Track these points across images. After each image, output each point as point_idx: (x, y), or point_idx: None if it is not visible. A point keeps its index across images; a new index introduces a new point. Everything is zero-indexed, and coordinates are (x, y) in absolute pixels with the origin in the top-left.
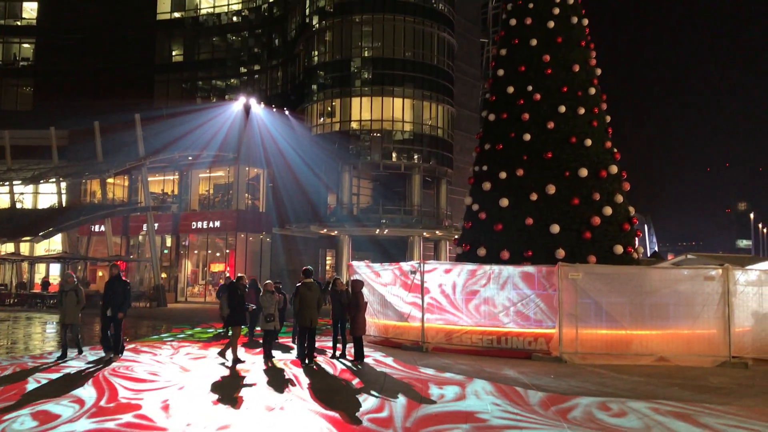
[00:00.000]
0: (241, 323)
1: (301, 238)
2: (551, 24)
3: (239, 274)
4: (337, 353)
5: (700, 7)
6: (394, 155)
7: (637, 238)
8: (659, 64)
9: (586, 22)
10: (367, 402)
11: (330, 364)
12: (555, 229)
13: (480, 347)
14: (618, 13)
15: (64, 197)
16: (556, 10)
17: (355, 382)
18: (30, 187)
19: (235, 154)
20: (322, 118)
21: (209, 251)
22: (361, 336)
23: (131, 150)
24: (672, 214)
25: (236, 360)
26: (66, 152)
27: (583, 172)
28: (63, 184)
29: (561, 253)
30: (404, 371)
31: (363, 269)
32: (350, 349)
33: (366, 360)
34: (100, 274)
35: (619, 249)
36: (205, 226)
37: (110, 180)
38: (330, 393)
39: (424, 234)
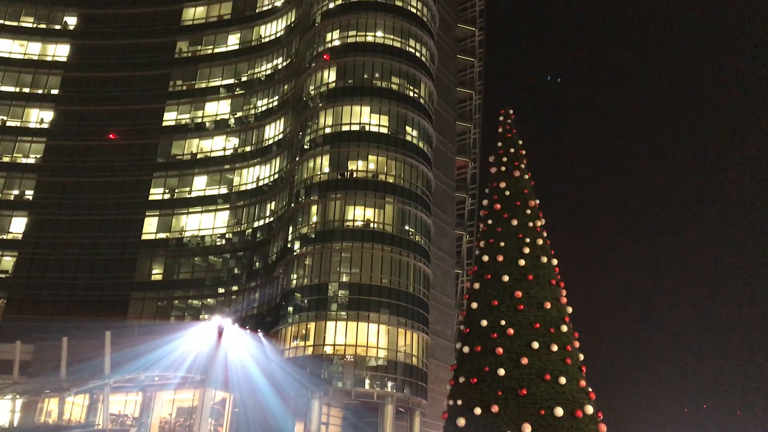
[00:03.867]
0: None
1: None
2: (522, 262)
3: None
4: None
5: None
6: (367, 383)
7: None
8: (629, 292)
9: (555, 261)
10: None
11: None
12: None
13: None
14: (589, 250)
15: (17, 416)
16: (527, 250)
17: None
18: None
19: (203, 376)
20: (295, 341)
21: None
22: None
23: (96, 368)
24: None
25: None
26: (28, 367)
27: (559, 412)
28: (18, 402)
29: None
30: None
31: None
32: None
33: None
34: None
35: None
36: None
37: (69, 398)
38: None
39: None
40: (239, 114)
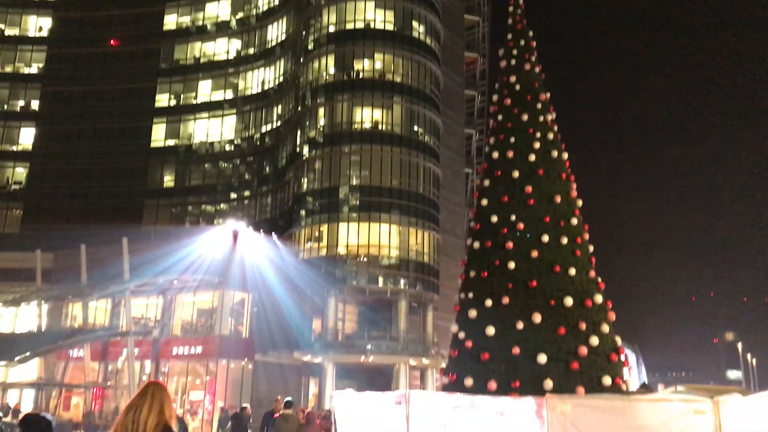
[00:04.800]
0: None
1: (284, 366)
2: (532, 157)
3: (243, 405)
4: None
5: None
6: (380, 281)
7: (625, 369)
8: (640, 194)
9: (565, 156)
10: None
11: None
12: (542, 359)
13: None
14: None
15: (44, 320)
16: (537, 145)
17: None
18: (11, 310)
19: (221, 278)
20: (309, 243)
21: (189, 378)
22: None
23: (116, 273)
24: (660, 345)
25: None
26: (50, 275)
27: (569, 301)
28: (44, 308)
29: (549, 383)
30: None
31: (345, 399)
32: None
33: None
34: (74, 401)
35: (607, 380)
36: (186, 353)
37: (92, 303)
38: None
39: (411, 362)
40: (240, 15)
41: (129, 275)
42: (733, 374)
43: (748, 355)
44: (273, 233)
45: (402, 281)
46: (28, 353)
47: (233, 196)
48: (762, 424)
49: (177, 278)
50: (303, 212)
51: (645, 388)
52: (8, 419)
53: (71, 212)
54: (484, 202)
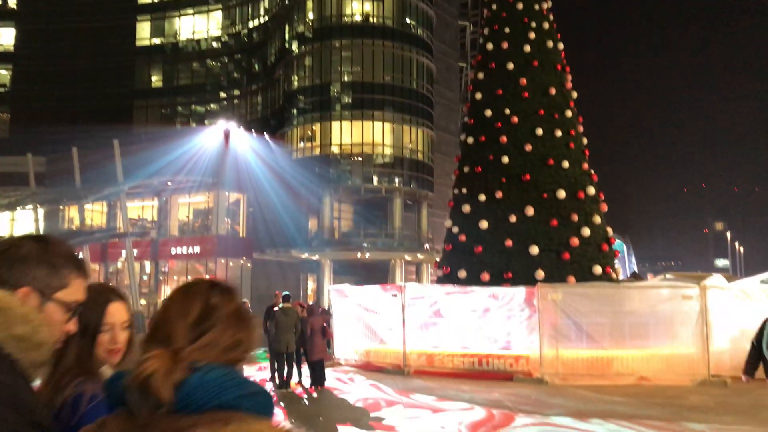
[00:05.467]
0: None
1: (282, 263)
2: (527, 48)
3: (243, 299)
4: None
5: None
6: (375, 179)
7: (616, 259)
8: (634, 85)
9: (561, 46)
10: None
11: (305, 391)
12: (534, 250)
13: (462, 370)
14: (595, 35)
15: (41, 224)
16: (532, 35)
17: (333, 407)
18: (6, 214)
19: (215, 179)
20: (302, 143)
21: (189, 277)
22: (319, 360)
23: (110, 176)
24: (650, 235)
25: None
26: (43, 179)
27: (561, 194)
28: (40, 211)
29: (540, 274)
30: (387, 395)
31: (343, 293)
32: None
33: (348, 384)
34: None
35: (597, 269)
36: (184, 252)
37: (88, 206)
38: (308, 418)
39: (406, 257)
40: None
41: (123, 177)
42: (721, 262)
43: (736, 244)
44: (265, 133)
45: (396, 179)
46: None
47: (223, 95)
48: (741, 307)
49: (171, 180)
50: (294, 111)
51: (635, 277)
52: None
53: (60, 115)
54: (478, 95)
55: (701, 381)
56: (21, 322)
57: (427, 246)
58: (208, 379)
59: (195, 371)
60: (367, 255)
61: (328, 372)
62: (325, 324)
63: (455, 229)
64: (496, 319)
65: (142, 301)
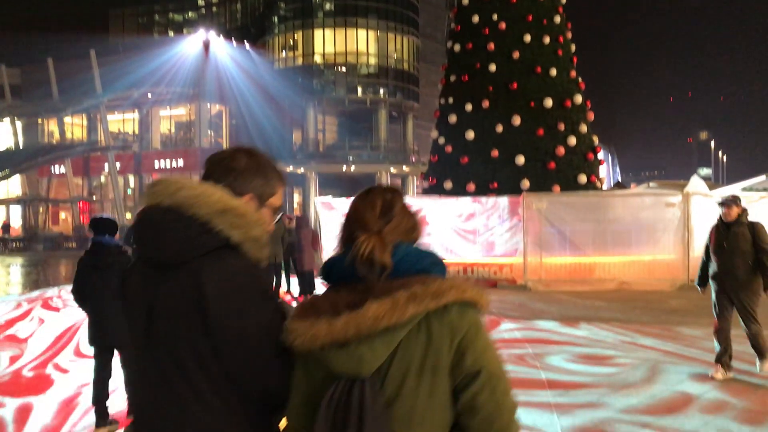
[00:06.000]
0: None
1: None
2: None
3: None
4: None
5: None
6: (359, 90)
7: (600, 167)
8: None
9: None
10: None
11: (294, 299)
12: (520, 160)
13: None
14: None
15: (20, 138)
16: None
17: None
18: None
19: (195, 90)
20: (284, 52)
21: None
22: (309, 270)
23: (88, 87)
24: (635, 145)
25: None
26: (19, 91)
27: (548, 103)
28: (18, 124)
29: (526, 183)
30: None
31: (330, 205)
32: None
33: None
34: (62, 216)
35: (583, 178)
36: (168, 166)
37: (68, 119)
38: None
39: (392, 170)
40: None
41: (101, 89)
42: (704, 171)
43: (720, 153)
44: (245, 42)
45: (381, 90)
46: (7, 170)
47: (201, 2)
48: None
49: (151, 91)
50: (275, 18)
51: (619, 186)
52: None
53: (32, 24)
54: (465, 1)
55: (681, 285)
56: (255, 225)
57: (413, 158)
58: (408, 252)
59: (396, 247)
60: (353, 168)
61: (317, 282)
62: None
63: (441, 140)
64: (481, 228)
65: (128, 215)
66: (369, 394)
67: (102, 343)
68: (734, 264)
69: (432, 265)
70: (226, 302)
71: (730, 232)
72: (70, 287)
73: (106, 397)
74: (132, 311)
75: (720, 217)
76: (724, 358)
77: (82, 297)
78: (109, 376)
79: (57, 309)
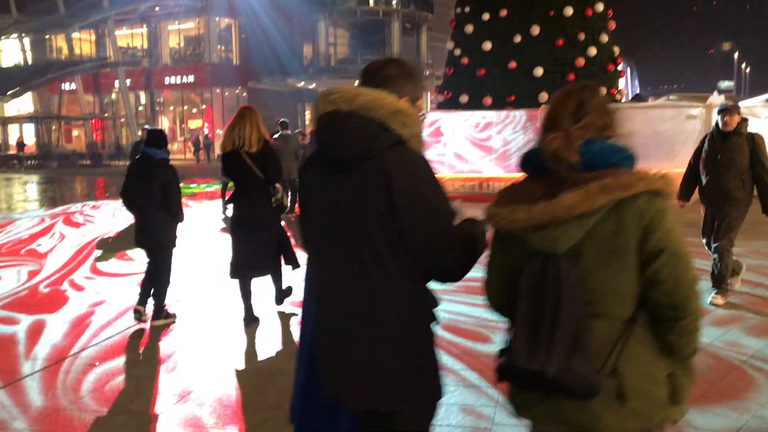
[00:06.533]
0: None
1: (278, 92)
2: None
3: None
4: None
5: None
6: (371, 0)
7: (621, 79)
8: None
9: None
10: None
11: None
12: (538, 72)
13: (462, 193)
14: None
15: (29, 54)
16: None
17: None
18: None
19: (204, 2)
20: None
21: (185, 107)
22: None
23: (94, 1)
24: (655, 57)
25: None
26: (25, 6)
27: (568, 11)
28: (26, 41)
29: (544, 96)
30: None
31: None
32: None
33: None
34: (75, 133)
35: (602, 90)
36: (178, 82)
37: (76, 35)
38: None
39: None
40: None
41: (108, 2)
42: (725, 84)
43: (743, 65)
44: None
45: (394, 1)
46: (18, 88)
47: None
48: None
49: (158, 4)
50: None
51: (637, 99)
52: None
53: None
54: None
55: (697, 199)
56: (418, 123)
57: (427, 72)
58: (602, 147)
59: (588, 143)
60: None
61: None
62: None
63: (457, 52)
64: (498, 142)
65: (140, 132)
66: (564, 268)
67: (147, 245)
68: (725, 178)
69: (623, 159)
70: (410, 187)
71: (727, 143)
72: (92, 204)
73: (164, 292)
74: (314, 209)
75: (716, 125)
76: (723, 284)
77: (129, 203)
78: (165, 273)
79: (78, 225)
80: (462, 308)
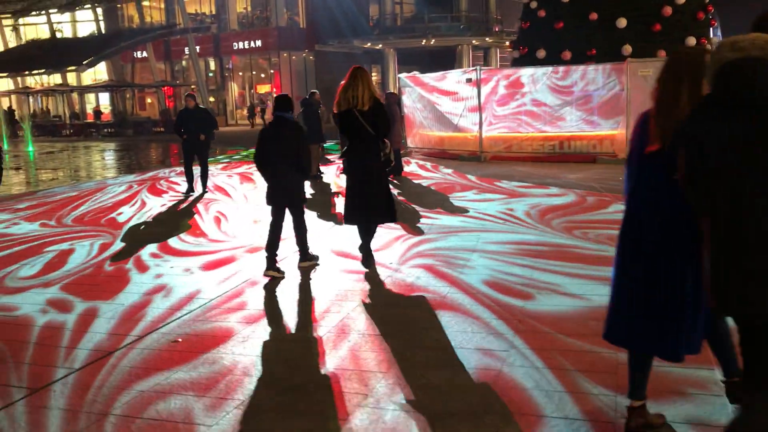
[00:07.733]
0: (319, 141)
1: (345, 55)
2: None
3: (312, 90)
4: None
5: None
6: None
7: (711, 28)
8: None
9: None
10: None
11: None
12: (621, 23)
13: (542, 154)
14: None
15: (102, 24)
16: None
17: (412, 193)
18: (67, 16)
19: None
20: None
21: (254, 72)
22: (396, 149)
23: None
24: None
25: (317, 174)
26: None
27: None
28: (99, 10)
29: (628, 49)
30: (456, 179)
31: (416, 80)
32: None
33: (426, 171)
34: (149, 101)
35: (691, 41)
36: (246, 47)
37: (146, 2)
38: None
39: (473, 42)
40: None
41: None
42: None
43: None
44: None
45: None
46: (93, 57)
47: None
48: None
49: None
50: None
51: None
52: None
53: None
54: None
55: None
56: None
57: (496, 28)
58: None
59: None
60: (432, 41)
61: (404, 160)
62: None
63: (533, 4)
64: (579, 98)
65: (211, 99)
66: None
67: (279, 202)
68: None
69: None
70: None
71: None
72: (178, 170)
73: (277, 246)
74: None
75: None
76: None
77: (262, 163)
78: (281, 229)
79: (160, 193)
80: (513, 269)
